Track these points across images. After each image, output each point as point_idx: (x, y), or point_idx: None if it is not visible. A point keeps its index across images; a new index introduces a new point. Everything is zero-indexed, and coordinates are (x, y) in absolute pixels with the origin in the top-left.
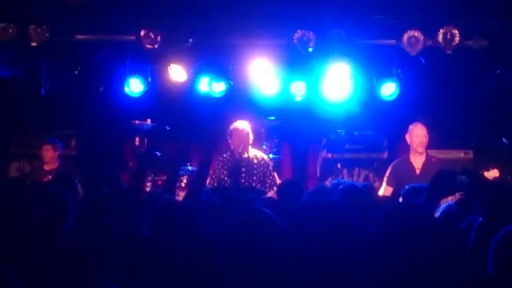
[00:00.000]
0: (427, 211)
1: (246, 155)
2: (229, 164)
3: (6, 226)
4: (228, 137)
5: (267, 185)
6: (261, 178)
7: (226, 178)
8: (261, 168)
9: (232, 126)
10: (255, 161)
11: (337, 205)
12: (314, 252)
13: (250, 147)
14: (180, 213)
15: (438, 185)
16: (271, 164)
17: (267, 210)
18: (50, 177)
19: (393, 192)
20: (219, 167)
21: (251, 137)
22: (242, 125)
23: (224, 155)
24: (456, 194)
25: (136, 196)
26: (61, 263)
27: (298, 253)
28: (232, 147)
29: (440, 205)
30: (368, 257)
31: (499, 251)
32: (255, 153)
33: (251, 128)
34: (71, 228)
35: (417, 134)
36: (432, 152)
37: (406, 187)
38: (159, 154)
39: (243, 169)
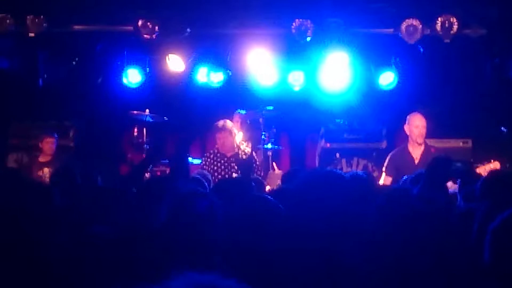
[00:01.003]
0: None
1: (233, 152)
2: (220, 160)
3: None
4: (215, 134)
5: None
6: (250, 173)
7: (216, 174)
8: (249, 163)
9: (214, 127)
10: (244, 157)
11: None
12: (316, 241)
13: (237, 141)
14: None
15: (434, 172)
16: (256, 157)
17: (271, 198)
18: (45, 169)
19: (392, 182)
20: (208, 163)
21: (236, 132)
22: (225, 124)
23: (211, 152)
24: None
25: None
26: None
27: (302, 240)
28: (217, 145)
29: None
30: (367, 243)
31: (496, 239)
32: (243, 147)
33: (247, 118)
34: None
35: (417, 125)
36: (431, 141)
37: (405, 177)
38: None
39: (232, 165)
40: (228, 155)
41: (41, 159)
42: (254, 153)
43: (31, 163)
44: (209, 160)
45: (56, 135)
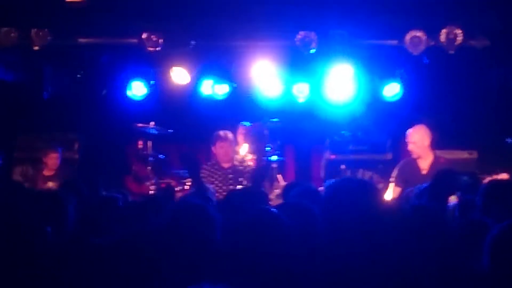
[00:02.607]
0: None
1: (231, 163)
2: (218, 172)
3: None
4: (212, 145)
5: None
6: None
7: (214, 186)
8: (247, 175)
9: (214, 136)
10: (241, 168)
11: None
12: (322, 252)
13: (236, 153)
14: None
15: (440, 184)
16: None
17: (274, 210)
18: (50, 183)
19: (400, 193)
20: (205, 175)
21: (241, 143)
22: (225, 134)
23: (209, 163)
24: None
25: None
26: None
27: (305, 253)
28: (217, 156)
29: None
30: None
31: (496, 247)
32: (239, 159)
33: (251, 131)
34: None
35: (409, 140)
36: (437, 153)
37: (408, 190)
38: (162, 157)
39: (230, 176)
40: (226, 166)
41: (46, 172)
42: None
43: (36, 177)
44: (206, 172)
45: (60, 150)
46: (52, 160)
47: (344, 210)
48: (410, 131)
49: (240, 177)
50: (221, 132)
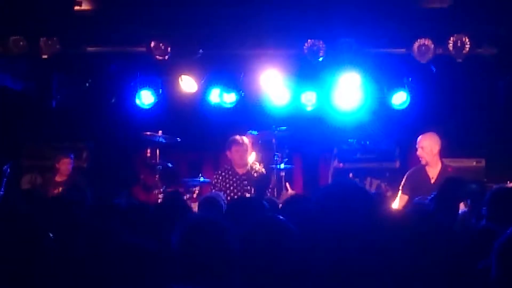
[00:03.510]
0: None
1: (245, 169)
2: (232, 178)
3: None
4: (227, 150)
5: (266, 197)
6: (264, 191)
7: (229, 192)
8: (261, 182)
9: (231, 140)
10: (255, 175)
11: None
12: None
13: (250, 160)
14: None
15: (447, 192)
16: (268, 175)
17: (282, 218)
18: (61, 188)
19: (408, 201)
20: (220, 180)
21: (250, 151)
22: (242, 139)
23: (223, 169)
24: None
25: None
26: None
27: (313, 260)
28: (232, 161)
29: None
30: (378, 261)
31: (503, 255)
32: (254, 166)
33: (260, 139)
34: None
35: (421, 146)
36: (445, 161)
37: (417, 199)
38: (170, 165)
39: (245, 183)
40: (240, 172)
41: (58, 178)
42: (268, 173)
43: (47, 183)
44: (220, 177)
45: (72, 156)
46: (65, 165)
47: (334, 214)
48: (420, 137)
49: (253, 183)
50: (238, 137)
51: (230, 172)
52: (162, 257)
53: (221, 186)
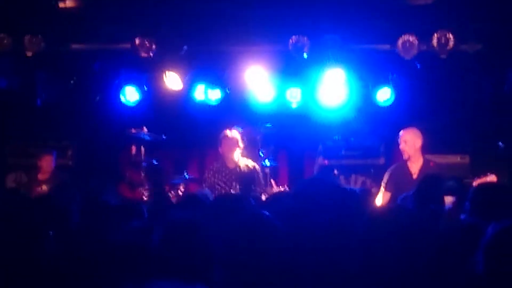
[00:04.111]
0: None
1: (235, 163)
2: (222, 173)
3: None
4: (218, 145)
5: (255, 193)
6: (251, 186)
7: (218, 187)
8: (250, 176)
9: (222, 134)
10: (246, 169)
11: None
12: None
13: (240, 155)
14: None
15: (425, 189)
16: (259, 171)
17: (267, 213)
18: (44, 186)
19: (391, 198)
20: (210, 175)
21: (241, 145)
22: (232, 133)
23: (215, 164)
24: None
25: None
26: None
27: (299, 256)
28: (222, 155)
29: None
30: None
31: (490, 251)
32: (245, 161)
33: (245, 136)
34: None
35: (404, 140)
36: (428, 157)
37: (403, 195)
38: (155, 162)
39: (233, 177)
40: (231, 167)
41: (40, 176)
42: (258, 168)
43: (30, 181)
44: (211, 172)
45: (54, 153)
46: (47, 162)
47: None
48: (402, 131)
49: (240, 178)
50: (227, 131)
51: (220, 167)
52: (145, 253)
53: (211, 181)
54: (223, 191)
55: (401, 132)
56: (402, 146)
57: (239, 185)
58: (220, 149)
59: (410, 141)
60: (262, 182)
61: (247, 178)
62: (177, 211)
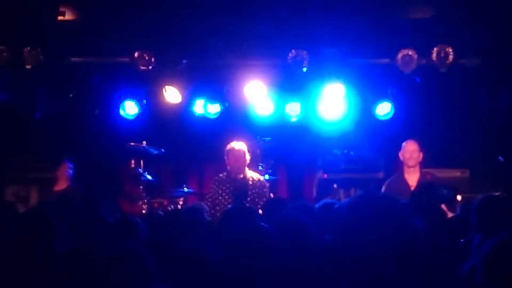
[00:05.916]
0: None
1: (241, 176)
2: (226, 184)
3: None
4: (225, 157)
5: (259, 206)
6: (256, 199)
7: (221, 198)
8: (256, 190)
9: (228, 146)
10: (250, 182)
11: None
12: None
13: (246, 168)
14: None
15: (420, 196)
16: (267, 185)
17: (265, 225)
18: None
19: None
20: (215, 187)
21: (247, 157)
22: (239, 145)
23: (220, 175)
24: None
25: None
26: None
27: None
28: (228, 167)
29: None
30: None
31: (489, 262)
32: (251, 174)
33: (248, 149)
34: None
35: (408, 149)
36: (427, 171)
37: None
38: (150, 178)
39: (239, 189)
40: (237, 179)
41: (57, 187)
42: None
43: (46, 195)
44: (216, 183)
45: (68, 161)
46: (64, 169)
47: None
48: (407, 142)
49: (248, 191)
50: (233, 142)
51: (226, 179)
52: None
53: (215, 193)
54: (226, 203)
55: (405, 143)
56: (409, 155)
57: (245, 197)
58: (227, 161)
59: (416, 152)
60: (268, 195)
61: (253, 192)
62: None
